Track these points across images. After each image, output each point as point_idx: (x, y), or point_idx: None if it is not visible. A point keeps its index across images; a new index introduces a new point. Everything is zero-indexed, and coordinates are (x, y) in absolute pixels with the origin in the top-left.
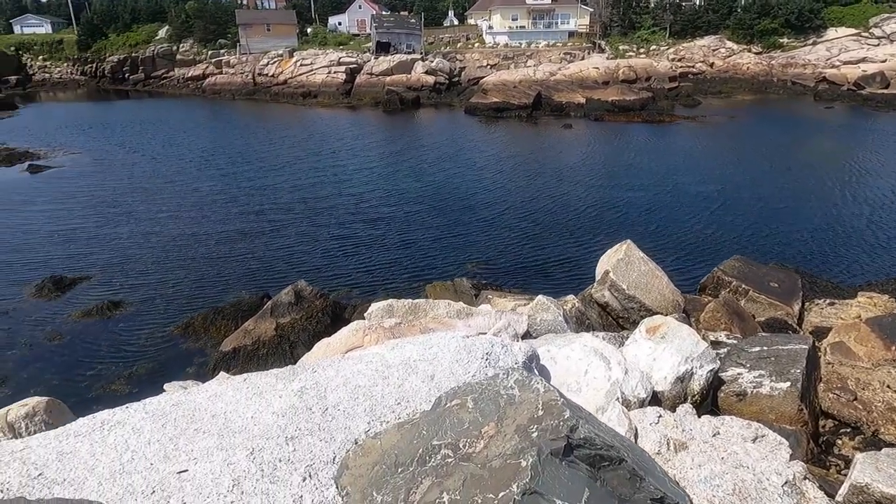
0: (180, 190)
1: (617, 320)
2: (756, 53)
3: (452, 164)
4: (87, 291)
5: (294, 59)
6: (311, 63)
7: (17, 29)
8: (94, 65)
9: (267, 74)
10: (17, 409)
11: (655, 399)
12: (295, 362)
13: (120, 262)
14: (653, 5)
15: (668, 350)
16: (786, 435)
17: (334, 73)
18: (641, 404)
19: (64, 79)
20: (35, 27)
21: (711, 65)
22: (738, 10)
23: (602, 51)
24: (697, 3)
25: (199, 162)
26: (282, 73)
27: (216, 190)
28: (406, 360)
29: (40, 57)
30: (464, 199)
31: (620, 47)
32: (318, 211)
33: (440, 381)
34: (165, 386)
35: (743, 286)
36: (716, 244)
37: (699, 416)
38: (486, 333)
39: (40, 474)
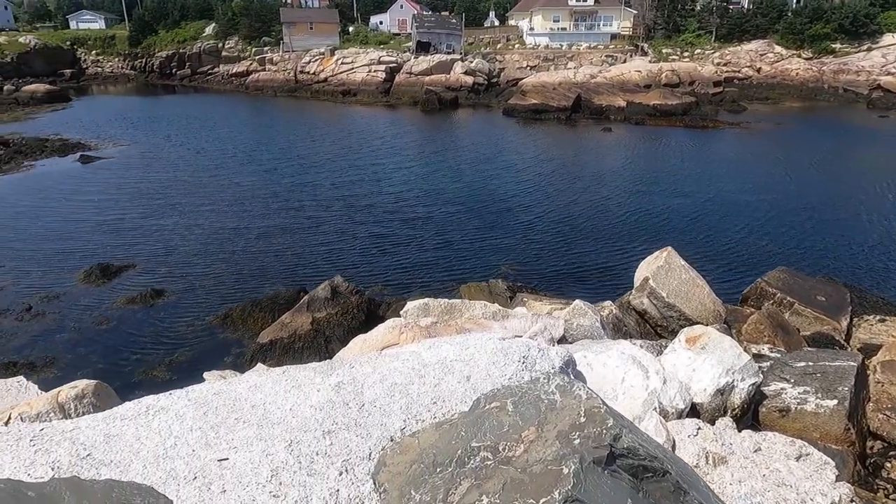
0: (222, 184)
1: (655, 328)
2: (806, 59)
3: (490, 165)
4: (132, 279)
5: (335, 58)
6: (352, 61)
7: (72, 24)
8: (144, 60)
9: (308, 72)
10: (67, 391)
11: (694, 411)
12: (330, 356)
13: (163, 252)
14: (699, 8)
15: (708, 361)
16: (831, 455)
17: (374, 71)
18: (679, 415)
19: (115, 73)
20: (90, 23)
21: (758, 70)
22: (789, 15)
23: (645, 54)
24: (745, 6)
25: (242, 157)
26: (323, 70)
27: (257, 185)
28: (442, 359)
29: (94, 52)
30: (501, 201)
31: (664, 50)
32: (356, 208)
33: (476, 382)
34: (205, 375)
35: (788, 298)
36: (759, 254)
37: (739, 431)
38: (521, 336)
39: (88, 455)
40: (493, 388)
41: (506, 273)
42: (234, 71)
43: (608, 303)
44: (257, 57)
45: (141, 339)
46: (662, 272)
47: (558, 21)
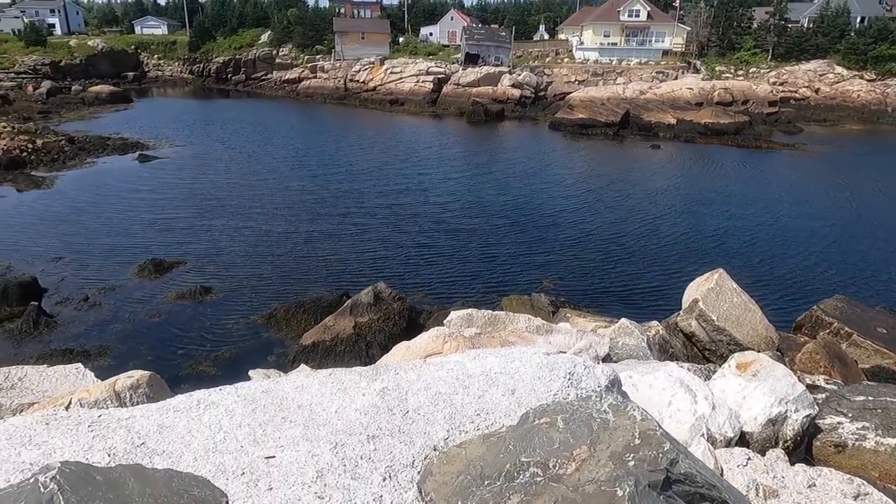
0: (272, 188)
1: (703, 352)
2: (869, 80)
3: (536, 179)
4: (182, 275)
5: (384, 67)
6: (401, 71)
7: (137, 29)
8: (202, 65)
9: (358, 80)
10: (124, 380)
11: (743, 440)
12: (371, 361)
13: (213, 251)
14: (755, 26)
15: (760, 389)
16: (892, 496)
17: (422, 81)
18: (728, 444)
19: (174, 76)
20: (153, 28)
21: (817, 90)
22: (852, 35)
23: (697, 71)
24: (804, 25)
25: (291, 162)
26: (372, 79)
27: (305, 190)
28: (487, 371)
29: (156, 56)
30: (545, 215)
31: (717, 68)
32: (402, 217)
33: (521, 396)
34: (251, 372)
35: (846, 329)
36: (815, 281)
37: (792, 464)
38: (566, 352)
39: (143, 443)
40: (542, 404)
41: (548, 288)
42: (286, 77)
43: (654, 323)
44: (309, 65)
45: (189, 333)
46: (713, 295)
47: (609, 36)
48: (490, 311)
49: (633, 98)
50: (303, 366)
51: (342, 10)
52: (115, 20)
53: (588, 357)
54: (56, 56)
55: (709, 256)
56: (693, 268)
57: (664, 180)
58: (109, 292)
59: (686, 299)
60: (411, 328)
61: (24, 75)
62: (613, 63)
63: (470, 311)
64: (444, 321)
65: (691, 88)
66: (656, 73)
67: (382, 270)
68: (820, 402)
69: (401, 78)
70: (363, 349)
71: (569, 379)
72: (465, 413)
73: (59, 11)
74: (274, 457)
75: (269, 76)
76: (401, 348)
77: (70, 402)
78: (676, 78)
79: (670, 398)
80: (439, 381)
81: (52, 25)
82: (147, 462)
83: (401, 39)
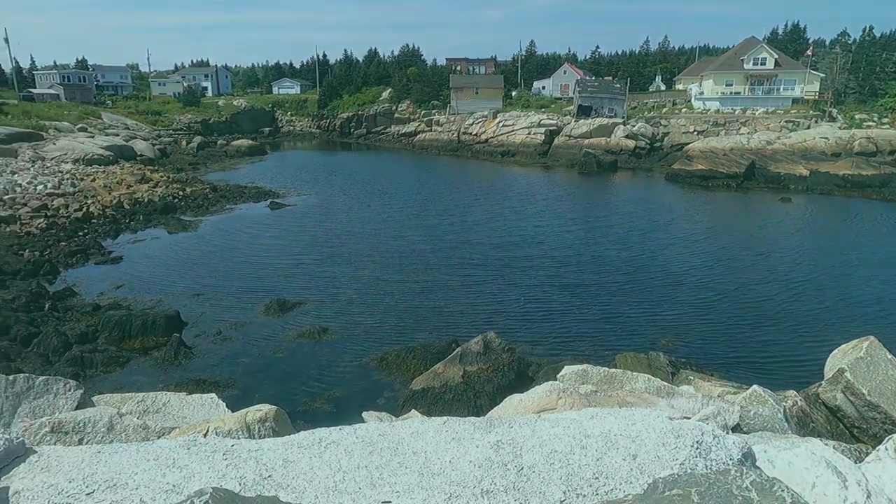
0: (388, 236)
1: (850, 429)
2: None
3: (656, 233)
4: (303, 316)
5: (497, 120)
6: (513, 124)
7: (275, 89)
8: (328, 120)
9: (471, 133)
10: (254, 413)
11: None
12: (479, 411)
13: (331, 294)
14: None
15: None
16: None
17: (534, 133)
18: None
19: (303, 131)
20: (288, 88)
21: None
22: None
23: (832, 119)
24: None
25: (406, 212)
26: (484, 132)
27: (420, 239)
28: (605, 432)
29: (288, 113)
30: (668, 272)
31: (856, 116)
32: (514, 269)
33: (644, 462)
34: (364, 414)
35: None
36: None
37: None
38: (690, 418)
39: (269, 476)
40: (670, 473)
41: (667, 347)
42: (403, 131)
43: (791, 392)
44: (425, 118)
45: (307, 370)
46: (862, 365)
47: (731, 85)
48: (606, 369)
49: (758, 148)
50: (413, 411)
51: (458, 68)
52: (256, 82)
53: (716, 425)
54: (206, 115)
55: (854, 323)
56: (835, 334)
57: (799, 236)
58: (239, 328)
59: (829, 369)
60: (520, 380)
61: (180, 132)
62: (736, 112)
63: (585, 366)
64: (557, 376)
65: (826, 138)
66: (785, 122)
67: (493, 320)
68: None
69: (512, 130)
70: (472, 398)
71: (696, 448)
72: (582, 475)
73: (211, 76)
74: (390, 502)
75: (388, 130)
76: (512, 401)
77: (207, 430)
78: (809, 127)
79: (814, 480)
80: (555, 438)
81: (205, 88)
82: (272, 493)
83: (513, 93)
